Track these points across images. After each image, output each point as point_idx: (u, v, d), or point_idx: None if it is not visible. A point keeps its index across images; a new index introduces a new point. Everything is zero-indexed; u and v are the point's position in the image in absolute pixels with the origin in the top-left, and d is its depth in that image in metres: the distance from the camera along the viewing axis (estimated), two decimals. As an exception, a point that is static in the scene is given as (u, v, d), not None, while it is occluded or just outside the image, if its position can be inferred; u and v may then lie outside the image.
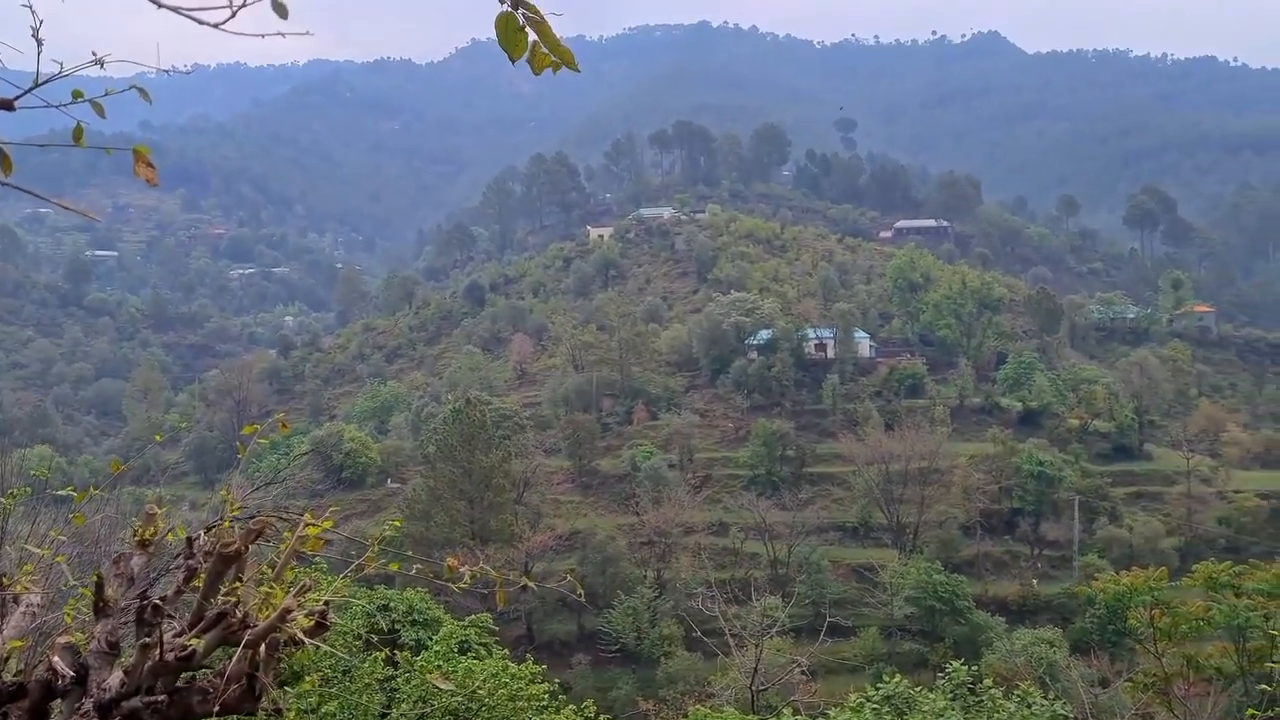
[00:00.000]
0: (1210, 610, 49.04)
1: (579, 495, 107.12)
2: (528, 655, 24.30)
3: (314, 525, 4.79)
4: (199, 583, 4.87)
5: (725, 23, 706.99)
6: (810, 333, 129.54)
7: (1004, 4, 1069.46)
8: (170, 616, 4.90)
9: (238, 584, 4.60)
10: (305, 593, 4.56)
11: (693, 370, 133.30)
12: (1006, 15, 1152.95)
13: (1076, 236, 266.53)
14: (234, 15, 3.51)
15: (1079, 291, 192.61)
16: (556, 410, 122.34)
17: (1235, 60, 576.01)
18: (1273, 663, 28.46)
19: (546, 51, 4.33)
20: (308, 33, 3.96)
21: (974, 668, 24.12)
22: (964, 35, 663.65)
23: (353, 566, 4.85)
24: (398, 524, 5.67)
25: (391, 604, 33.09)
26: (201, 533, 5.01)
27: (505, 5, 4.26)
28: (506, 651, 25.82)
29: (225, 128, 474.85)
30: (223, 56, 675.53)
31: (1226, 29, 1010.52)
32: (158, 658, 4.42)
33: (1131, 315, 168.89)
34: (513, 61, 4.38)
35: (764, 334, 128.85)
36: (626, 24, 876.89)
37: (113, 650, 4.59)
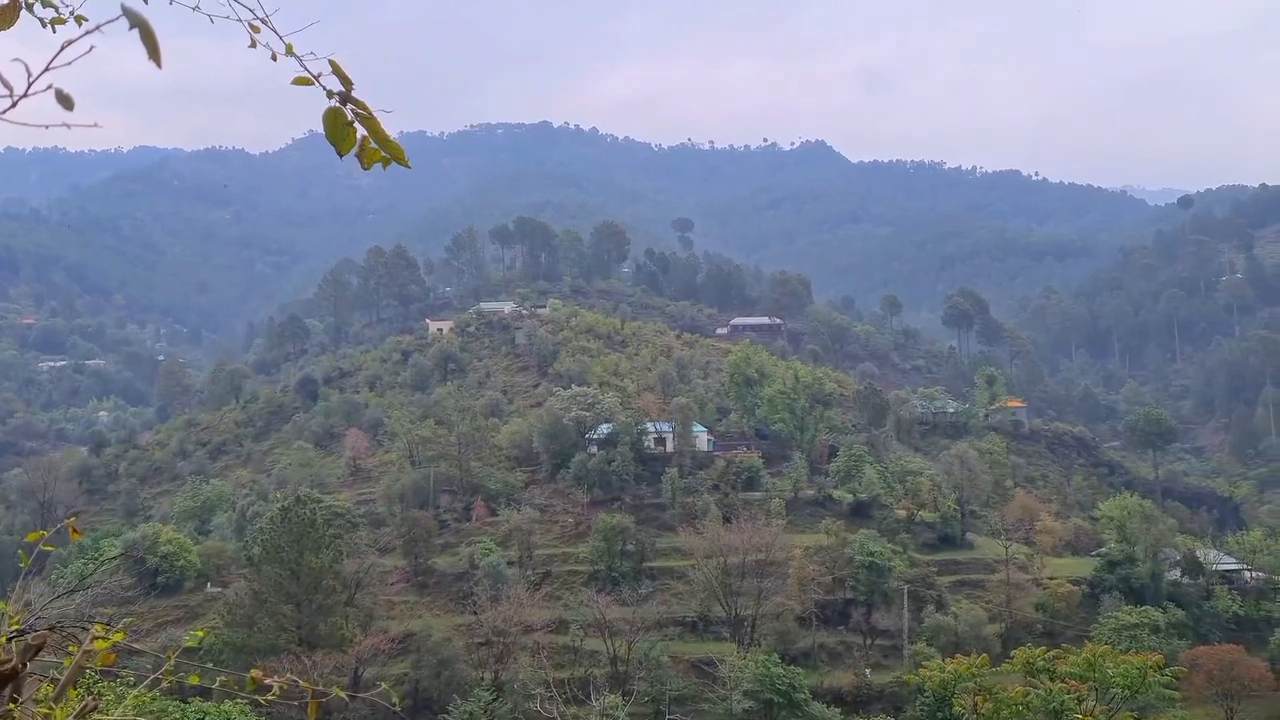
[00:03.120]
0: (1029, 695, 51.06)
1: (414, 595, 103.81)
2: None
3: (102, 638, 4.44)
4: (-29, 705, 4.44)
5: (566, 123, 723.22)
6: (650, 427, 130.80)
7: (830, 115, 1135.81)
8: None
9: (13, 705, 4.20)
10: (89, 713, 4.20)
11: (533, 465, 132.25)
12: (832, 126, 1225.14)
13: (900, 335, 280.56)
14: (14, 105, 3.37)
15: (903, 387, 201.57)
16: (392, 507, 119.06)
17: (1037, 175, 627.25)
18: (1086, 743, 29.80)
19: (376, 147, 4.32)
20: (95, 124, 3.83)
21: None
22: (793, 143, 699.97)
23: (148, 681, 4.51)
24: (200, 633, 5.34)
25: (207, 718, 31.04)
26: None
27: (333, 100, 4.25)
28: (331, 765, 24.50)
29: (40, 213, 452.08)
30: (40, 140, 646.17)
31: (1028, 146, 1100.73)
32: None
33: (951, 410, 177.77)
34: (340, 156, 4.36)
35: (604, 428, 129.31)
36: (469, 121, 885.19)
37: None
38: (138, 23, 3.43)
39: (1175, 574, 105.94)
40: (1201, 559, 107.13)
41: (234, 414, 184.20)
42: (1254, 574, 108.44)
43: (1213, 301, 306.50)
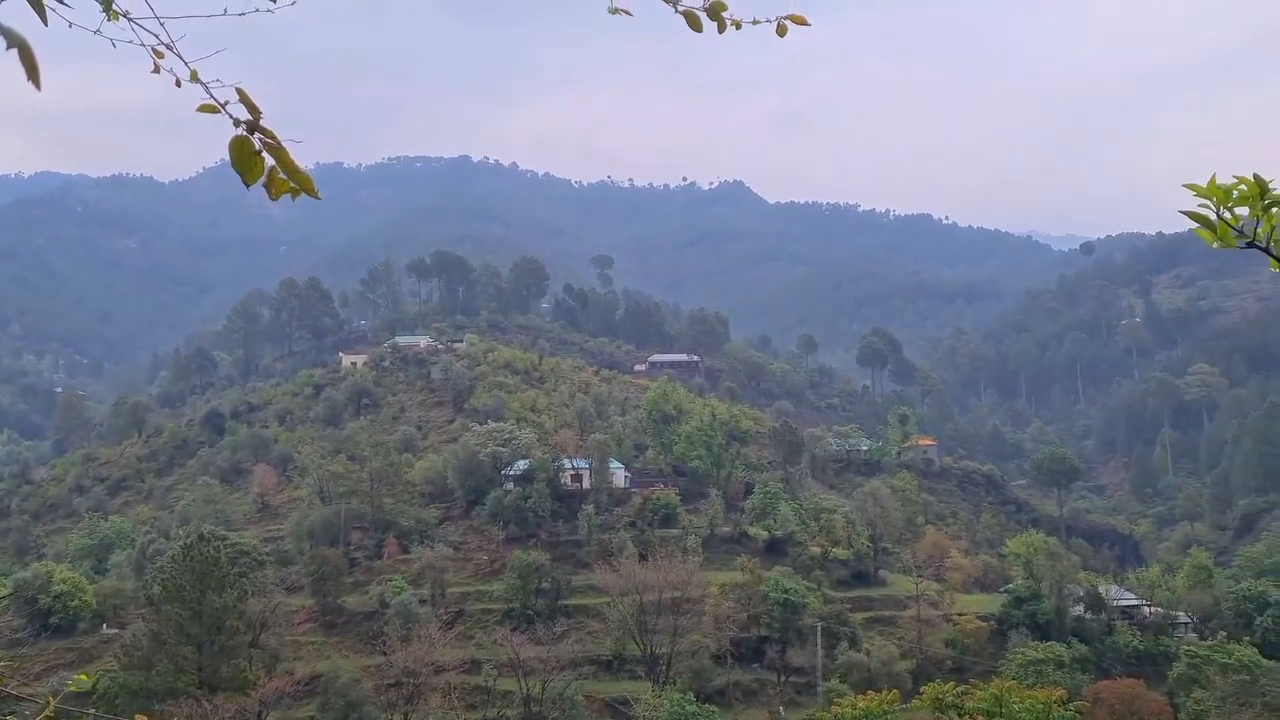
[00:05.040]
0: (939, 729, 51.64)
1: (322, 635, 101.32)
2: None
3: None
4: None
5: (486, 158, 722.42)
6: (567, 463, 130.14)
7: (748, 156, 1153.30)
8: None
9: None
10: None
11: (448, 501, 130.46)
12: (750, 166, 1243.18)
13: (815, 373, 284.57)
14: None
15: (818, 425, 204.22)
16: (300, 545, 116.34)
17: (947, 219, 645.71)
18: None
19: (285, 177, 4.25)
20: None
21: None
22: (712, 183, 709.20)
23: (26, 730, 4.27)
24: (84, 677, 5.10)
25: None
26: None
27: (240, 129, 4.17)
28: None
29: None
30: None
31: (939, 192, 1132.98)
32: None
33: (865, 448, 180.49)
34: (247, 185, 4.28)
35: (521, 464, 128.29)
36: (387, 154, 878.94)
37: None
38: (16, 42, 3.33)
39: (1079, 610, 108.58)
40: (1103, 595, 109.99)
41: (135, 448, 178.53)
42: (1152, 609, 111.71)
43: (1114, 344, 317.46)
